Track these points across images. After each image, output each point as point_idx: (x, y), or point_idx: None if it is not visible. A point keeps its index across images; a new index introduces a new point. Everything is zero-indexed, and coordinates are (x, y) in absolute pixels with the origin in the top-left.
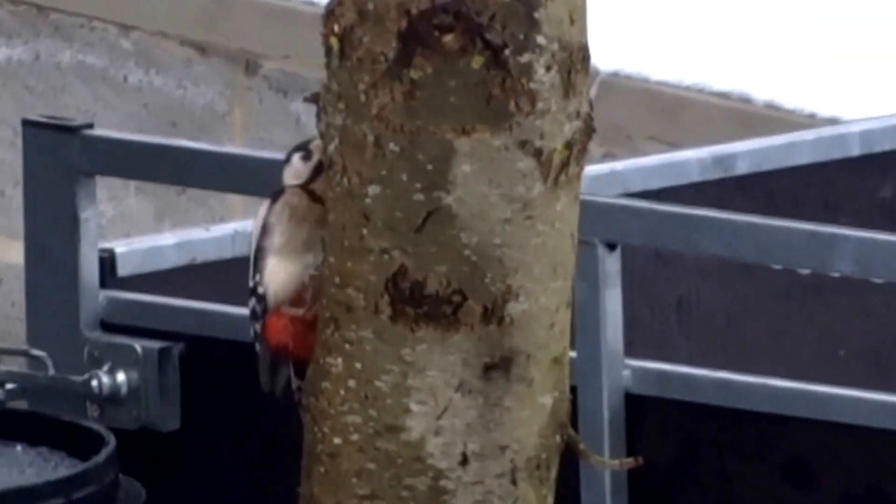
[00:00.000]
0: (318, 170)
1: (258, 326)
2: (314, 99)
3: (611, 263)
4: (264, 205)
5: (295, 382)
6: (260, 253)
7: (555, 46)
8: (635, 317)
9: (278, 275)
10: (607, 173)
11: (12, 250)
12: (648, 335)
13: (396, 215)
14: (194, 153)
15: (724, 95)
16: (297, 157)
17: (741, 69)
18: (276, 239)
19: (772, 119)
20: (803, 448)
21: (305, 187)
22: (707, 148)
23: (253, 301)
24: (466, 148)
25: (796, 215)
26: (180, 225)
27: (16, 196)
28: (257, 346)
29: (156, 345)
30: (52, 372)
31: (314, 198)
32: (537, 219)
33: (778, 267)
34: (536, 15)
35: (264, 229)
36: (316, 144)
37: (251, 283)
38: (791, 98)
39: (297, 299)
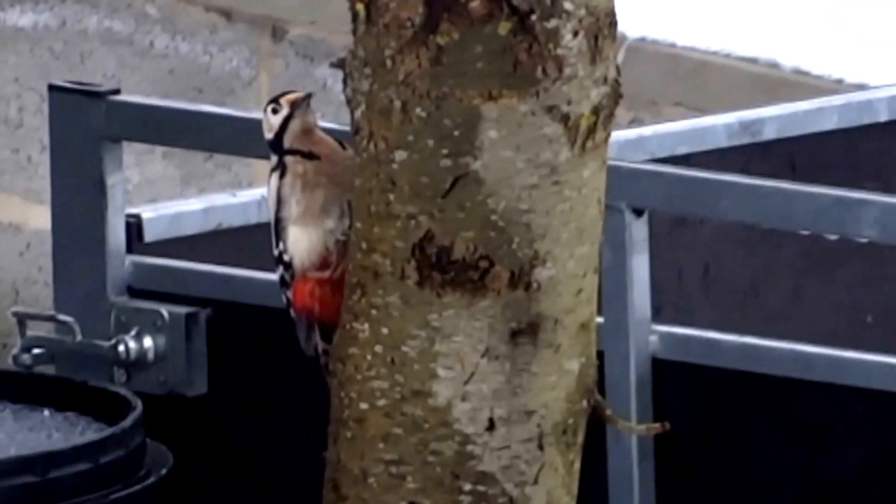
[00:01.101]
0: (285, 124)
1: (288, 293)
2: (340, 64)
3: (637, 229)
4: (273, 178)
5: (321, 346)
6: (280, 224)
7: (582, 12)
8: (661, 282)
9: (301, 243)
10: (634, 139)
11: (38, 216)
12: (674, 300)
13: (423, 181)
14: (220, 119)
15: (751, 61)
16: (269, 110)
17: (768, 34)
18: (293, 209)
19: (799, 84)
20: (828, 413)
21: (278, 140)
22: (734, 113)
23: (280, 269)
24: (493, 113)
25: (822, 181)
26: (206, 190)
27: (42, 161)
28: (292, 313)
29: (182, 310)
30: (79, 337)
31: (311, 157)
32: (564, 184)
33: (804, 233)
34: None
35: (279, 202)
36: (287, 98)
37: (276, 252)
38: (818, 63)
39: (322, 263)
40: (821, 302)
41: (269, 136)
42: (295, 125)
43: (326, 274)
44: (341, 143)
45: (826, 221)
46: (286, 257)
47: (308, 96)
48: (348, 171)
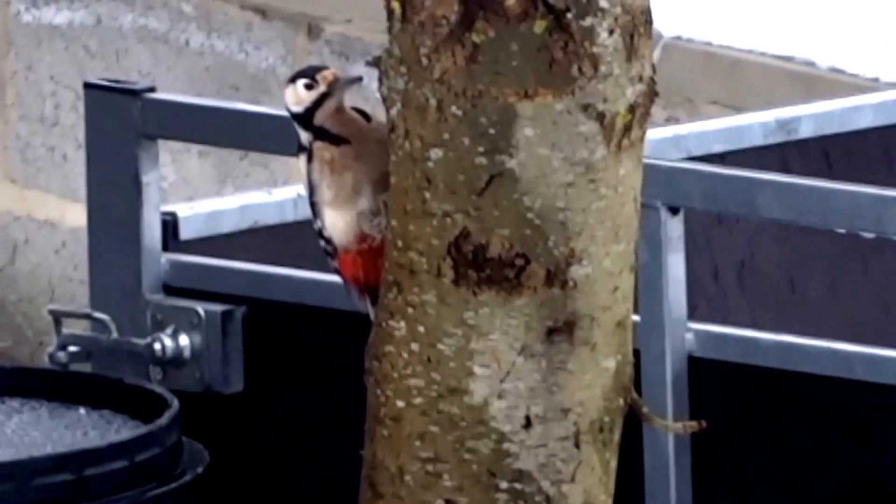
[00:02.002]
0: (320, 101)
1: (335, 263)
2: (376, 63)
3: (673, 227)
4: (302, 162)
5: (373, 312)
6: (315, 207)
7: (617, 10)
8: (698, 280)
9: (337, 225)
10: (670, 137)
11: (74, 213)
12: (710, 298)
13: (459, 179)
14: (256, 116)
15: (787, 59)
16: (301, 84)
17: (804, 33)
18: (325, 194)
19: (835, 82)
20: (864, 410)
21: (308, 115)
22: (770, 111)
23: (323, 242)
24: (529, 112)
25: (859, 179)
26: (242, 188)
27: (78, 159)
28: (341, 280)
29: (218, 308)
30: (114, 335)
31: (338, 141)
32: (600, 182)
33: (841, 231)
34: None
35: (311, 187)
36: (323, 75)
37: (317, 227)
38: (854, 61)
39: (360, 239)
40: (858, 298)
41: (296, 108)
42: (330, 105)
43: (366, 246)
44: (365, 115)
45: (862, 219)
46: (326, 233)
47: (356, 80)
48: (376, 145)
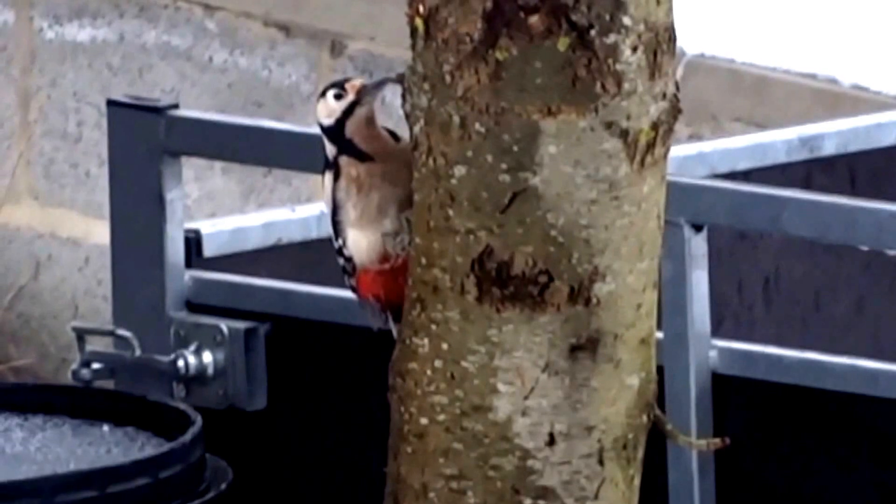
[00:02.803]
0: (350, 110)
1: (352, 281)
2: (399, 80)
3: (697, 244)
4: (327, 178)
5: (395, 328)
6: (338, 225)
7: (641, 27)
8: (722, 296)
9: (360, 244)
10: (694, 154)
11: (98, 230)
12: (735, 315)
13: (482, 196)
14: (280, 134)
15: (811, 76)
16: (330, 95)
17: (827, 50)
18: (350, 213)
19: (858, 100)
20: (889, 428)
21: (338, 126)
22: (793, 129)
23: (342, 260)
24: (552, 129)
25: (883, 196)
26: (266, 205)
27: (101, 176)
28: (356, 297)
29: (242, 325)
30: (138, 352)
31: (364, 157)
32: (623, 199)
33: (865, 248)
34: None
35: (335, 205)
36: (352, 84)
37: (336, 245)
38: (878, 79)
39: (382, 259)
40: (884, 315)
41: (327, 121)
42: (360, 113)
43: (387, 266)
44: (394, 135)
45: (887, 236)
46: (346, 252)
47: (382, 83)
48: (403, 166)
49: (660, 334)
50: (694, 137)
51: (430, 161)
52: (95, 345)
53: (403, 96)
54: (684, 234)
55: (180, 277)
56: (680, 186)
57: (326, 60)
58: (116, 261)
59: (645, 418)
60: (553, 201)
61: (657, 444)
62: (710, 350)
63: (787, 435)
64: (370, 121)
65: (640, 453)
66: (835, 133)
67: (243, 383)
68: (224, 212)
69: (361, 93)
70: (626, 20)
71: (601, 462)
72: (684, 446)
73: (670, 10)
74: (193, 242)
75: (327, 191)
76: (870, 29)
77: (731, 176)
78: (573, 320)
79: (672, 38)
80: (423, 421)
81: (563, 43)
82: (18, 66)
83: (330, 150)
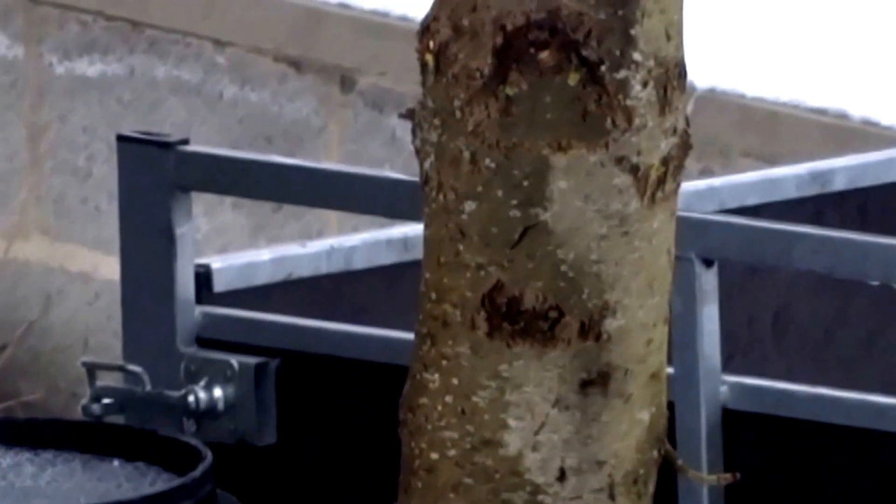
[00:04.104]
0: None
1: None
2: (409, 115)
3: (707, 279)
4: None
5: None
6: None
7: (651, 62)
8: (732, 331)
9: None
10: (704, 189)
11: (108, 265)
12: (745, 350)
13: (492, 231)
14: (290, 169)
15: (821, 111)
16: None
17: (838, 85)
18: None
19: (869, 135)
20: None
21: None
22: (804, 164)
23: None
24: (562, 164)
25: (894, 231)
26: (276, 240)
27: (111, 211)
28: None
29: (252, 360)
30: (148, 387)
31: None
32: (634, 235)
33: (875, 283)
34: (633, 31)
35: None
36: None
37: None
38: (888, 114)
39: None
40: (894, 350)
41: None
42: None
43: None
44: None
45: None
46: None
47: None
48: None
49: (670, 369)
50: (704, 173)
51: (441, 196)
52: (105, 380)
53: (413, 131)
54: (695, 270)
55: (190, 312)
56: (690, 221)
57: (336, 96)
58: (126, 296)
59: (656, 453)
60: (563, 236)
61: (668, 478)
62: (721, 385)
63: (797, 470)
64: None
65: (651, 488)
66: (845, 168)
67: (253, 418)
68: (234, 247)
69: None
70: (637, 55)
71: (612, 497)
72: (695, 481)
73: (680, 45)
74: (203, 277)
75: None
76: (880, 64)
77: (742, 211)
78: (584, 355)
79: (682, 74)
80: (434, 456)
81: (573, 78)
82: (28, 101)
83: None
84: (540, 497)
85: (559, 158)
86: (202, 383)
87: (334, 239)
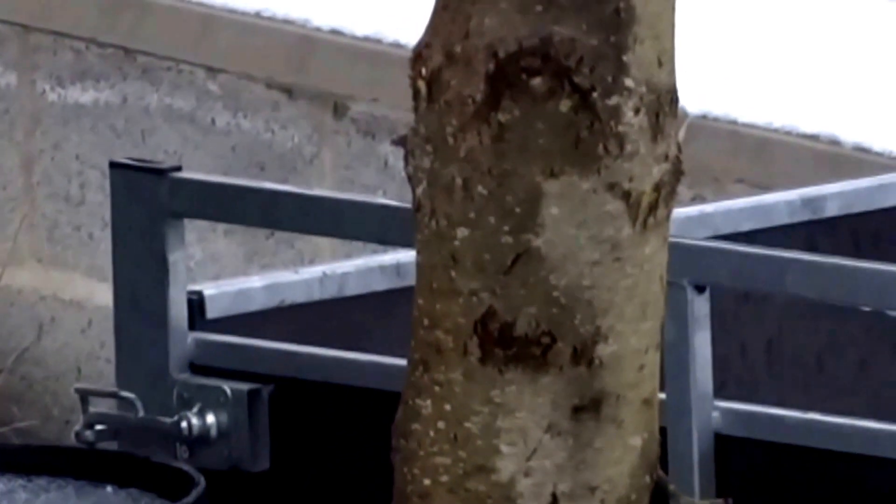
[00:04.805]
0: None
1: None
2: (402, 142)
3: (700, 306)
4: None
5: None
6: None
7: (643, 89)
8: (725, 357)
9: None
10: (696, 215)
11: (101, 292)
12: (737, 376)
13: (485, 257)
14: (282, 196)
15: (813, 137)
16: None
17: (830, 111)
18: None
19: (861, 161)
20: (892, 489)
21: None
22: (796, 190)
23: None
24: (555, 190)
25: (886, 257)
26: (269, 267)
27: (104, 238)
28: None
29: (245, 386)
30: (141, 413)
31: None
32: (626, 261)
33: (867, 309)
34: (625, 58)
35: None
36: None
37: None
38: (880, 140)
39: None
40: (886, 376)
41: None
42: None
43: None
44: None
45: (890, 297)
46: None
47: None
48: None
49: (662, 395)
50: (696, 199)
51: (433, 223)
52: (99, 406)
53: (406, 158)
54: (687, 296)
55: (183, 339)
56: (682, 247)
57: (329, 122)
58: (119, 323)
59: (648, 479)
60: (556, 262)
61: None
62: (713, 411)
63: (789, 495)
64: None
65: None
66: (837, 194)
67: (247, 445)
68: (227, 274)
69: None
70: (629, 82)
71: None
72: None
73: (672, 71)
74: (196, 304)
75: None
76: (872, 90)
77: (734, 237)
78: (576, 381)
79: (674, 100)
80: (427, 482)
81: (565, 104)
82: (21, 128)
83: None
84: None
85: (551, 185)
86: (195, 410)
87: (327, 265)
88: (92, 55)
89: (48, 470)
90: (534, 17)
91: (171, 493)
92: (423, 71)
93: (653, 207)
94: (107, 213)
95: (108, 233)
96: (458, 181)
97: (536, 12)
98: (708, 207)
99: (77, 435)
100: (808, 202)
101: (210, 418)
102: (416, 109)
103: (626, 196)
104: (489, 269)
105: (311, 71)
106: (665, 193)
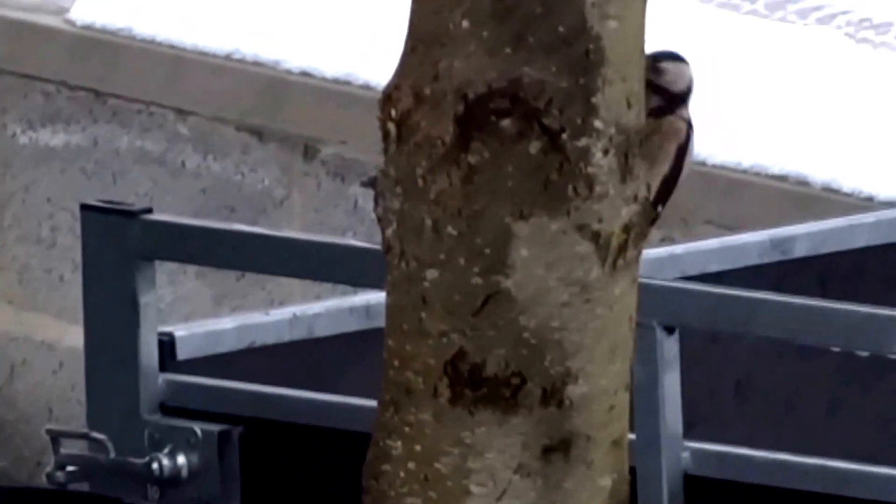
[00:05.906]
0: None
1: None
2: (371, 183)
3: (669, 346)
4: None
5: None
6: None
7: (612, 130)
8: (694, 398)
9: None
10: (666, 256)
11: (72, 334)
12: (706, 416)
13: (455, 298)
14: (253, 238)
15: (782, 178)
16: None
17: (798, 152)
18: None
19: (829, 202)
20: None
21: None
22: (765, 231)
23: None
24: (524, 232)
25: (854, 298)
26: (239, 309)
27: (75, 280)
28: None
29: (215, 427)
30: (112, 454)
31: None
32: (596, 302)
33: (836, 349)
34: (594, 99)
35: None
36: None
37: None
38: (849, 180)
39: None
40: (856, 416)
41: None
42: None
43: None
44: None
45: (859, 338)
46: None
47: None
48: None
49: (632, 435)
50: (665, 240)
51: (403, 264)
52: (70, 448)
53: (376, 199)
54: (656, 336)
55: (154, 380)
56: (652, 288)
57: (299, 165)
58: (90, 364)
59: None
60: (525, 304)
61: None
62: (683, 451)
63: None
64: None
65: None
66: (806, 235)
67: (217, 485)
68: (198, 315)
69: None
70: (598, 123)
71: None
72: None
73: (641, 112)
74: (167, 346)
75: None
76: (841, 131)
77: (703, 278)
78: (546, 422)
79: (643, 141)
80: None
81: (534, 146)
82: None
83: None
84: None
85: (521, 226)
86: (166, 451)
87: (297, 307)
88: (62, 98)
89: None
90: (503, 59)
91: None
92: (393, 113)
93: (622, 248)
94: (78, 256)
95: (79, 275)
96: (428, 223)
97: (505, 54)
98: (677, 248)
99: (48, 476)
100: (777, 243)
101: (181, 459)
102: (385, 151)
103: (596, 237)
104: (459, 311)
105: (282, 113)
106: (634, 234)
